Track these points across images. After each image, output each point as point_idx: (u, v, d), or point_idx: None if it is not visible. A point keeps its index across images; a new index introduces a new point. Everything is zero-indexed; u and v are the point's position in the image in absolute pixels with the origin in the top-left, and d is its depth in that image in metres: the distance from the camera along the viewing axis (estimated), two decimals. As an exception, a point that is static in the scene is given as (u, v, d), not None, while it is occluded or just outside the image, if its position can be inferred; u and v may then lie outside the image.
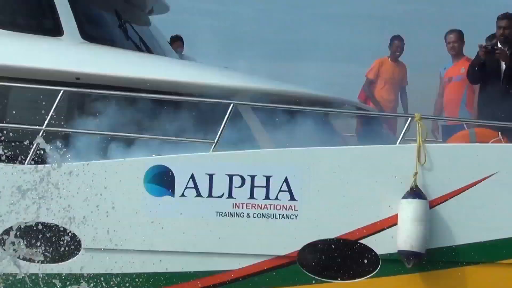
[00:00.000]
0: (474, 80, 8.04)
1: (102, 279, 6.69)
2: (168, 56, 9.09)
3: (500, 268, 6.69)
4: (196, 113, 7.21)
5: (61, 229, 6.68)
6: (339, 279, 6.77)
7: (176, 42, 10.68)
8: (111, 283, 6.70)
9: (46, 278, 6.65)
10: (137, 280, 6.75)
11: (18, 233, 6.33)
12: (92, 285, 6.70)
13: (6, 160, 6.75)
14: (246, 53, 10.65)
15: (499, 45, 7.70)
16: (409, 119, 6.88)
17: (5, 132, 6.80)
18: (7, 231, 6.44)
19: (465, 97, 8.99)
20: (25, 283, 6.52)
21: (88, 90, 7.30)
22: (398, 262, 6.63)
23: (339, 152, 6.97)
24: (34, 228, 6.64)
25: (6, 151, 6.61)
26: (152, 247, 6.76)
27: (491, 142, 7.14)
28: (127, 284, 6.65)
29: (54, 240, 6.69)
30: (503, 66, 7.66)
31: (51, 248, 6.68)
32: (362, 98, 10.56)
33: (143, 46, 8.76)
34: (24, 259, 6.54)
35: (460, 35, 9.19)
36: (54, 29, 7.83)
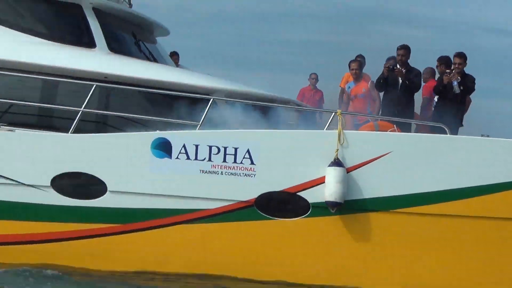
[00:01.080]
0: (379, 89, 11.08)
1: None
2: (169, 65, 12.31)
3: (392, 215, 9.76)
4: (187, 104, 10.36)
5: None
6: (282, 218, 9.83)
7: (174, 56, 13.88)
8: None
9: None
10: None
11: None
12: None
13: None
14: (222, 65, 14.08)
15: (398, 66, 10.84)
16: (333, 113, 10.02)
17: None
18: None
19: (369, 107, 11.87)
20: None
21: (113, 86, 10.46)
22: (325, 208, 9.68)
23: (285, 134, 10.13)
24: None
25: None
26: (154, 191, 9.83)
27: (389, 131, 10.24)
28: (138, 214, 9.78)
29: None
30: (400, 80, 10.82)
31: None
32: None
33: (151, 57, 11.98)
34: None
35: (360, 63, 11.95)
36: (89, 43, 10.99)
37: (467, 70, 10.64)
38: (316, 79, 13.97)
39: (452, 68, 10.53)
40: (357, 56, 12.10)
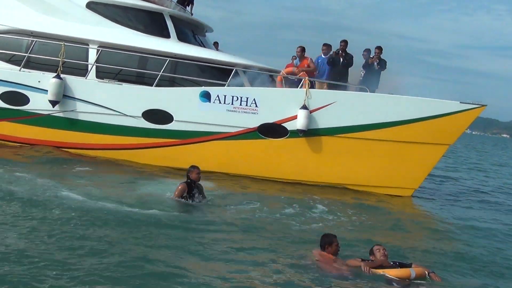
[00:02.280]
0: (330, 64, 17.11)
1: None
2: (212, 49, 19.25)
3: (334, 137, 16.25)
4: (221, 71, 17.11)
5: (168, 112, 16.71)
6: (272, 138, 16.53)
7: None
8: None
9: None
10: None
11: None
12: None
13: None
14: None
15: (340, 51, 17.17)
16: (303, 79, 16.74)
17: (144, 74, 17.08)
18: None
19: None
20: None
21: (179, 60, 17.25)
22: (297, 133, 16.36)
23: (275, 90, 16.81)
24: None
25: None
26: (200, 121, 16.57)
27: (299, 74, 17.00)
28: (190, 133, 16.70)
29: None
30: (341, 60, 17.10)
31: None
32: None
33: (202, 44, 18.93)
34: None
35: (302, 48, 17.21)
36: (166, 35, 17.94)
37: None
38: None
39: (374, 55, 17.09)
40: (299, 47, 17.51)
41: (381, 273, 8.54)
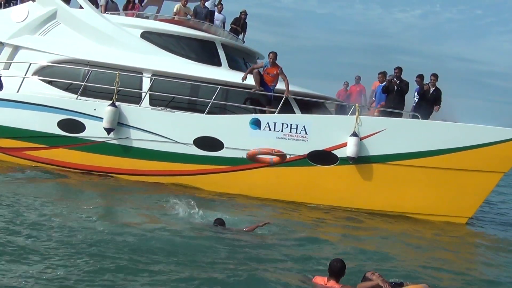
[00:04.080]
0: (385, 92, 17.24)
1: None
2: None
3: (385, 165, 16.17)
4: (269, 97, 17.25)
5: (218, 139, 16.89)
6: (322, 165, 16.57)
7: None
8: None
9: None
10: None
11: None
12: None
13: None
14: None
15: (394, 79, 17.10)
16: (353, 105, 16.70)
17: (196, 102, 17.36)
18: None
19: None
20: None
21: (230, 87, 17.47)
22: (347, 160, 16.38)
23: (325, 117, 16.88)
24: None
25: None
26: (251, 147, 16.71)
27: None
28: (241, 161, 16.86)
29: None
30: (395, 88, 16.98)
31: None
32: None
33: (253, 72, 19.15)
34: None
35: (275, 54, 16.84)
36: (218, 63, 18.22)
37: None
38: (359, 79, 19.65)
39: (429, 82, 16.94)
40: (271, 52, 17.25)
41: None
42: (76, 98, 17.79)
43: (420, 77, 16.92)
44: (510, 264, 12.27)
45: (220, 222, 12.16)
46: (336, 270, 8.45)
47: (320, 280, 8.59)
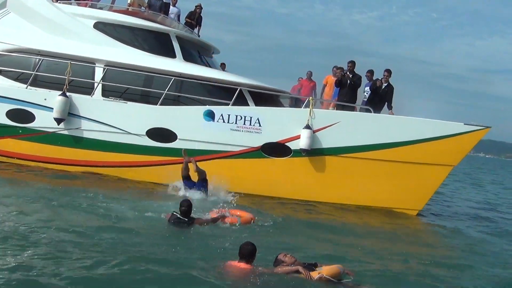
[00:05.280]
0: (337, 86, 17.30)
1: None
2: (218, 69, 19.33)
3: (337, 157, 16.29)
4: (225, 91, 17.16)
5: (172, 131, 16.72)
6: (275, 157, 16.55)
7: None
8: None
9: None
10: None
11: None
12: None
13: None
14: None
15: (347, 73, 17.24)
16: (307, 99, 16.78)
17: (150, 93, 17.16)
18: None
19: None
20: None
21: (184, 79, 17.35)
22: (299, 152, 16.39)
23: (278, 110, 16.89)
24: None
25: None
26: (204, 139, 16.61)
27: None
28: (194, 152, 16.74)
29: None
30: (348, 82, 17.11)
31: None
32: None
33: (208, 65, 19.01)
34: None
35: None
36: (172, 54, 18.03)
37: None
38: (311, 75, 19.58)
39: (382, 77, 17.13)
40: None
41: (318, 275, 8.10)
42: (26, 88, 17.39)
43: (371, 72, 17.15)
44: (456, 248, 12.45)
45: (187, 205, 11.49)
46: (247, 253, 8.39)
47: (232, 263, 8.50)
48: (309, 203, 16.37)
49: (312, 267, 8.31)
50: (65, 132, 17.11)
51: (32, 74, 17.51)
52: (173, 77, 17.17)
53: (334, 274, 8.08)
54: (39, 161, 17.26)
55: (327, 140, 16.34)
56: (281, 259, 8.34)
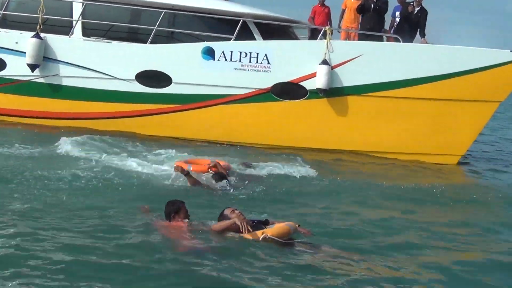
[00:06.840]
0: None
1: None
2: None
3: (360, 97, 13.97)
4: (226, 23, 14.71)
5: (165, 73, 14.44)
6: (289, 100, 14.26)
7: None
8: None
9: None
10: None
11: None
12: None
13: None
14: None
15: None
16: (323, 29, 14.30)
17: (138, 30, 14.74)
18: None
19: None
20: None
21: (177, 11, 14.89)
22: (316, 92, 14.07)
23: (290, 43, 14.47)
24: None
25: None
26: (203, 82, 14.35)
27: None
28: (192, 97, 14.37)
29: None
30: (372, 6, 14.58)
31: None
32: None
33: None
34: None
35: None
36: None
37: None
38: None
39: (413, 1, 14.63)
40: None
41: (262, 235, 7.11)
42: (-6, 30, 15.19)
43: None
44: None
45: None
46: (166, 212, 7.68)
47: (161, 223, 7.71)
48: (326, 151, 14.23)
49: (261, 225, 7.41)
50: (41, 80, 14.88)
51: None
52: (164, 10, 14.79)
53: (280, 234, 7.14)
54: (12, 115, 15.12)
55: (348, 77, 14.03)
56: (227, 214, 7.42)
